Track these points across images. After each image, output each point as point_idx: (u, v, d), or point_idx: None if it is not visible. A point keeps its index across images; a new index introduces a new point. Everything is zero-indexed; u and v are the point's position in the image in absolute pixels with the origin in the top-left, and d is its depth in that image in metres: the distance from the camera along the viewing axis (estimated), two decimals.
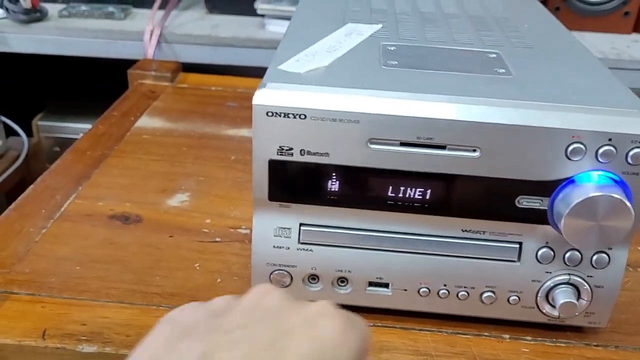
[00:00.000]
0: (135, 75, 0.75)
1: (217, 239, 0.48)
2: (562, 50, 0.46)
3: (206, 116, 0.68)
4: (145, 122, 0.66)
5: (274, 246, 0.39)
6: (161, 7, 0.98)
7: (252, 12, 0.96)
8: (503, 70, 0.40)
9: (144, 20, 0.94)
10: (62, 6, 0.97)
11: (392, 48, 0.43)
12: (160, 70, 0.75)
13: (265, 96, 0.35)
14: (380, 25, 0.48)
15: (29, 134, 1.00)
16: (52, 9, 0.95)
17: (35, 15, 0.91)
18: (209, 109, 0.70)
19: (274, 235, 0.39)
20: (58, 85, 1.13)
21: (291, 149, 0.36)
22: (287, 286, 0.40)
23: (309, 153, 0.36)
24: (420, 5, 0.56)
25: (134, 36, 0.93)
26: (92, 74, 1.11)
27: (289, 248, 0.39)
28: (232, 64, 0.95)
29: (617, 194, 0.34)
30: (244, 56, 0.94)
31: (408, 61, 0.41)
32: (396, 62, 0.41)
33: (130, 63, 0.80)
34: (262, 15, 0.96)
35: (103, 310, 0.41)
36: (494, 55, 0.43)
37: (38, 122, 1.02)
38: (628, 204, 0.34)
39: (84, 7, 0.97)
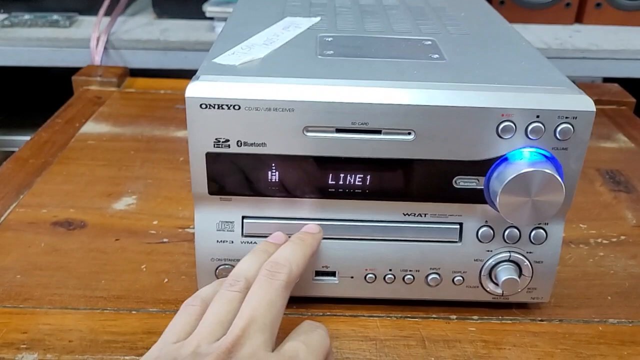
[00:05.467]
0: (79, 82, 0.73)
1: (165, 240, 0.48)
2: (496, 36, 0.48)
3: (154, 119, 0.67)
4: (91, 127, 0.65)
5: (217, 241, 0.39)
6: (108, 13, 0.97)
7: (201, 15, 0.95)
8: (437, 56, 0.41)
9: (91, 27, 0.93)
10: (4, 16, 0.94)
11: (329, 39, 0.44)
12: (106, 76, 0.74)
13: (198, 88, 0.35)
14: (318, 18, 0.49)
15: None
16: None
17: None
18: (157, 113, 0.69)
19: (217, 230, 0.39)
20: (6, 97, 1.10)
21: (227, 140, 0.36)
22: None
23: (245, 144, 0.36)
24: None
25: (80, 44, 0.91)
26: (42, 85, 1.08)
27: (232, 242, 0.39)
28: (183, 68, 0.94)
29: (549, 169, 0.35)
30: (195, 60, 0.93)
31: (344, 50, 0.41)
32: (332, 52, 0.41)
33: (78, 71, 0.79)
34: (212, 18, 0.95)
35: (46, 318, 0.40)
36: (430, 42, 0.44)
37: None
38: (559, 178, 0.35)
39: (27, 16, 0.95)
